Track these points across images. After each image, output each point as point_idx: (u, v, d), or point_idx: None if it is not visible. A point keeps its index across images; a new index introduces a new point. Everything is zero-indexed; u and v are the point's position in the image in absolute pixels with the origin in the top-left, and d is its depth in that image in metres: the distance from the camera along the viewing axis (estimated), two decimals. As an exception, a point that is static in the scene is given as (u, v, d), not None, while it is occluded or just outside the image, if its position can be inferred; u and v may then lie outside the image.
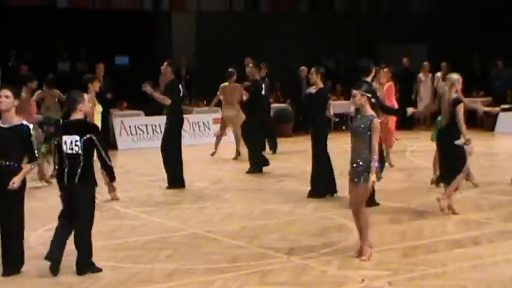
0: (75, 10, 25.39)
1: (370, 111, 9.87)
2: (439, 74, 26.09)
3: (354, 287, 8.92)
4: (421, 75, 25.34)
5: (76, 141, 9.36)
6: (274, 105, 24.32)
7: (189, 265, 9.88)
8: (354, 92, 9.97)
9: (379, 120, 10.04)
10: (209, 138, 22.01)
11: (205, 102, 23.75)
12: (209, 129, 23.24)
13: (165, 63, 16.04)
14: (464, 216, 12.59)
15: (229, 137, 20.73)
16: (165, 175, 15.55)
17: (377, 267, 9.69)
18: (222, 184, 16.30)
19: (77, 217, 9.49)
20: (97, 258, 10.18)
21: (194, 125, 23.20)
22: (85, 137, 9.38)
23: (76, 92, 9.98)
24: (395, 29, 29.88)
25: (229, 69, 19.60)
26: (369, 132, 9.74)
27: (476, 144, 19.96)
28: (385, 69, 21.37)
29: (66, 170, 9.42)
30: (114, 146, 21.76)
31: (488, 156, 19.50)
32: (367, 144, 9.76)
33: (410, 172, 17.22)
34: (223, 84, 19.68)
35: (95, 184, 9.70)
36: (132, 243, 11.34)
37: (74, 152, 9.36)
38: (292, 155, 20.33)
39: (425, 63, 25.47)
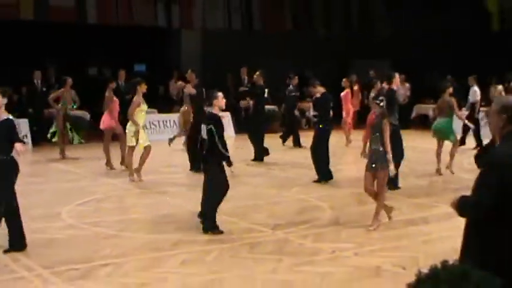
0: (103, 26, 25.32)
1: (383, 115, 10.40)
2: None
3: (326, 257, 8.93)
4: (384, 85, 25.30)
5: (204, 129, 9.86)
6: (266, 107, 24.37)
7: (191, 236, 9.91)
8: (373, 102, 10.82)
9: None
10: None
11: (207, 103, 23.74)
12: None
13: (189, 70, 16.12)
14: (417, 200, 12.66)
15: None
16: (168, 161, 15.56)
17: (345, 240, 9.73)
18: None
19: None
20: (117, 229, 10.25)
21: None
22: (207, 127, 9.83)
23: (213, 91, 10.45)
24: (364, 46, 29.93)
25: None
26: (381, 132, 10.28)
27: (426, 142, 20.18)
28: (344, 79, 21.58)
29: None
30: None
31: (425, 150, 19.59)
32: (381, 141, 10.24)
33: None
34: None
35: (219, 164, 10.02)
36: (143, 217, 11.38)
37: (204, 137, 9.85)
38: (280, 148, 20.38)
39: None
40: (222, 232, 9.99)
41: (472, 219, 4.78)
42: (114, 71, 23.55)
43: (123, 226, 10.59)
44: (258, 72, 17.95)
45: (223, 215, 11.13)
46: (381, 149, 10.29)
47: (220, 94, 10.27)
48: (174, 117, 22.08)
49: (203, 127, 9.99)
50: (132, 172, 14.56)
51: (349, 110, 21.36)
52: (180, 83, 16.71)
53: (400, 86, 25.73)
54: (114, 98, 16.27)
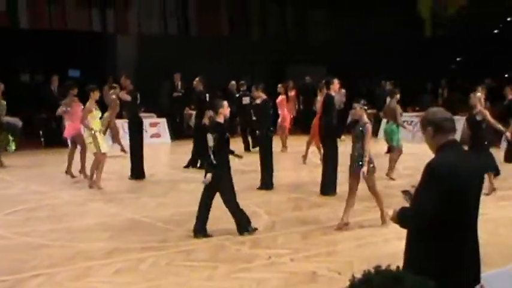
0: (35, 31, 24.88)
1: (365, 119, 10.83)
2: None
3: (262, 263, 8.91)
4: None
5: (211, 138, 9.99)
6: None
7: (127, 244, 9.78)
8: (355, 105, 11.09)
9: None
10: (146, 139, 21.78)
11: (142, 109, 23.52)
12: (146, 131, 23.03)
13: (123, 76, 15.98)
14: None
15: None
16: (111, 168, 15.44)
17: (281, 246, 9.73)
18: (156, 178, 16.18)
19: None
20: (49, 239, 10.04)
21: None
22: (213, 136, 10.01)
23: (219, 100, 10.86)
24: (300, 52, 30.13)
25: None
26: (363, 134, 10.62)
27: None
28: (279, 85, 21.69)
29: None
30: (65, 145, 21.36)
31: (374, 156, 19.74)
32: (360, 142, 10.64)
33: (311, 169, 17.29)
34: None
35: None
36: (77, 226, 11.17)
37: (210, 145, 9.99)
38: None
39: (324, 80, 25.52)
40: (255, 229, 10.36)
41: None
42: (47, 77, 23.18)
43: (55, 235, 10.38)
44: (197, 78, 17.84)
45: (159, 222, 11.06)
46: (358, 151, 10.70)
47: (225, 103, 10.57)
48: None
49: (209, 136, 10.12)
50: (92, 178, 14.45)
51: (285, 115, 21.45)
52: (112, 91, 16.54)
53: (336, 92, 26.11)
54: (75, 105, 16.09)
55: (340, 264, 8.70)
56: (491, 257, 8.34)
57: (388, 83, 21.91)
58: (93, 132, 14.23)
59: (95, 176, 14.50)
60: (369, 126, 10.77)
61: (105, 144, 14.67)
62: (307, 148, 17.85)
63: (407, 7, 34.52)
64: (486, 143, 13.69)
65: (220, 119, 10.37)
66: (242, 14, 30.50)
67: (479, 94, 14.64)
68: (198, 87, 17.75)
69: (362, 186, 14.72)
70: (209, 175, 10.14)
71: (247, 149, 20.77)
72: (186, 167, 17.39)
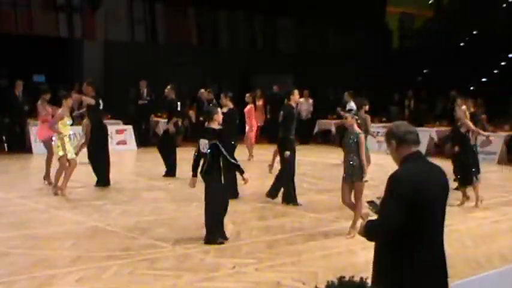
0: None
1: (357, 129, 10.91)
2: (302, 99, 26.48)
3: (227, 273, 8.87)
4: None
5: (206, 143, 10.09)
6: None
7: (90, 253, 9.69)
8: (346, 115, 11.43)
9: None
10: (112, 146, 21.64)
11: (109, 116, 23.40)
12: (112, 138, 22.90)
13: (85, 83, 15.85)
14: (318, 215, 12.77)
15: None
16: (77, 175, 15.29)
17: (246, 256, 9.70)
18: (120, 185, 16.06)
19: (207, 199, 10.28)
20: (9, 246, 9.91)
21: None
22: (211, 142, 10.09)
23: (213, 106, 11.19)
24: (268, 62, 30.22)
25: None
26: (357, 145, 10.72)
27: (328, 157, 20.47)
28: (247, 94, 21.68)
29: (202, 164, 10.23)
30: (29, 151, 21.27)
31: (337, 166, 19.85)
32: (357, 153, 10.68)
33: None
34: None
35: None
36: (39, 233, 11.05)
37: (205, 151, 10.07)
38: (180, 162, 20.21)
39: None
40: (223, 241, 10.31)
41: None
42: (11, 82, 22.94)
43: (17, 243, 10.23)
44: (169, 86, 17.73)
45: (123, 231, 10.98)
46: (356, 161, 10.74)
47: (219, 109, 10.77)
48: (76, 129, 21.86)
49: (204, 142, 10.19)
50: (56, 185, 14.35)
51: (252, 125, 21.47)
52: (75, 95, 16.42)
53: (303, 102, 26.22)
54: (48, 109, 15.93)
55: (304, 274, 8.69)
56: (458, 269, 8.42)
57: (346, 93, 21.98)
58: (61, 136, 14.16)
59: (60, 182, 14.38)
60: (362, 136, 10.91)
61: (72, 150, 14.58)
62: (274, 157, 17.85)
63: (376, 18, 34.84)
64: (473, 153, 14.16)
65: (216, 125, 10.41)
66: (210, 24, 30.51)
67: (464, 107, 14.91)
68: (170, 96, 17.65)
69: (326, 197, 14.89)
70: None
71: None
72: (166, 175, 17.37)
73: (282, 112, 13.99)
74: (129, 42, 28.14)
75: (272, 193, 13.98)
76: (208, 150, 10.15)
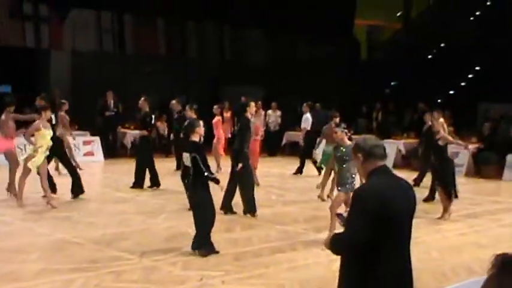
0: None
1: (348, 142, 11.43)
2: (270, 111, 26.64)
3: (194, 285, 8.88)
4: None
5: (187, 157, 10.17)
6: (136, 131, 24.21)
7: (56, 265, 9.63)
8: (336, 129, 11.99)
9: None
10: (79, 157, 21.52)
11: (76, 127, 23.25)
12: (79, 149, 22.79)
13: (38, 97, 15.76)
14: (285, 227, 12.81)
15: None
16: (36, 186, 15.16)
17: (213, 268, 9.70)
18: (87, 196, 15.96)
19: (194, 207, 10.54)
20: (-27, 259, 9.81)
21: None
22: (191, 155, 10.14)
23: (195, 119, 11.51)
24: (237, 73, 30.29)
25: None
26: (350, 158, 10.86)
27: (295, 169, 20.55)
28: (215, 106, 21.69)
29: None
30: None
31: (305, 178, 19.98)
32: (350, 166, 11.09)
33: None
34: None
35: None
36: (4, 246, 10.95)
37: (187, 164, 10.20)
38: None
39: (259, 102, 25.60)
40: (217, 252, 10.43)
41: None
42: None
43: (-20, 255, 10.15)
44: (142, 98, 17.61)
45: (89, 243, 10.94)
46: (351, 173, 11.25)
47: (201, 122, 10.85)
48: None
49: (186, 155, 10.26)
50: (20, 196, 14.28)
51: (220, 136, 21.46)
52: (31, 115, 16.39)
53: (271, 113, 26.32)
54: (10, 122, 15.78)
55: (271, 287, 8.74)
56: (424, 281, 8.52)
57: (304, 104, 22.12)
58: (36, 147, 14.12)
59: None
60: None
61: (39, 164, 14.39)
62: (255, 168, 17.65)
63: (344, 30, 35.09)
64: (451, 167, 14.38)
65: (196, 138, 10.49)
66: (179, 34, 30.51)
67: (441, 120, 15.09)
68: (144, 108, 17.51)
69: (293, 209, 14.93)
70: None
71: (178, 168, 20.60)
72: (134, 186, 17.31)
73: (239, 124, 14.11)
74: (97, 52, 28.03)
75: (226, 205, 13.94)
76: (190, 164, 10.20)
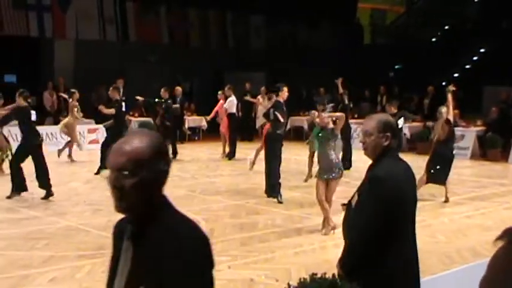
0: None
1: (331, 125, 11.19)
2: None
3: (200, 270, 8.89)
4: (259, 97, 25.26)
5: None
6: (140, 119, 24.26)
7: (63, 252, 9.68)
8: (322, 114, 11.67)
9: None
10: (84, 145, 21.60)
11: (81, 115, 23.27)
12: (84, 137, 22.88)
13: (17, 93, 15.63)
14: (290, 212, 12.85)
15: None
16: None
17: (219, 253, 9.68)
18: (92, 184, 16.02)
19: None
20: (-18, 247, 9.87)
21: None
22: None
23: None
24: (240, 59, 30.24)
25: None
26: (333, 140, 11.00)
27: (301, 153, 20.55)
28: (220, 92, 21.72)
29: None
30: None
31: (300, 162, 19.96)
32: (333, 149, 10.96)
33: (250, 175, 17.33)
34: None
35: None
36: (12, 234, 11.01)
37: None
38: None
39: (263, 88, 25.50)
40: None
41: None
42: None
43: (-12, 243, 10.21)
44: (111, 88, 17.71)
45: (95, 230, 10.98)
46: (333, 157, 10.90)
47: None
48: (49, 128, 21.94)
49: None
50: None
51: (224, 120, 21.50)
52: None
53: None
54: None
55: (277, 271, 8.77)
56: (430, 264, 8.53)
57: (321, 89, 22.17)
58: None
59: None
60: (338, 133, 11.26)
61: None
62: (256, 155, 17.57)
63: (347, 14, 34.97)
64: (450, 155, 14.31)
65: None
66: (182, 21, 30.40)
67: (444, 111, 14.74)
68: (114, 96, 17.51)
69: (298, 194, 14.95)
70: None
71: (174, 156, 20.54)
72: None
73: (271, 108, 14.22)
74: (101, 41, 27.95)
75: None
76: None
